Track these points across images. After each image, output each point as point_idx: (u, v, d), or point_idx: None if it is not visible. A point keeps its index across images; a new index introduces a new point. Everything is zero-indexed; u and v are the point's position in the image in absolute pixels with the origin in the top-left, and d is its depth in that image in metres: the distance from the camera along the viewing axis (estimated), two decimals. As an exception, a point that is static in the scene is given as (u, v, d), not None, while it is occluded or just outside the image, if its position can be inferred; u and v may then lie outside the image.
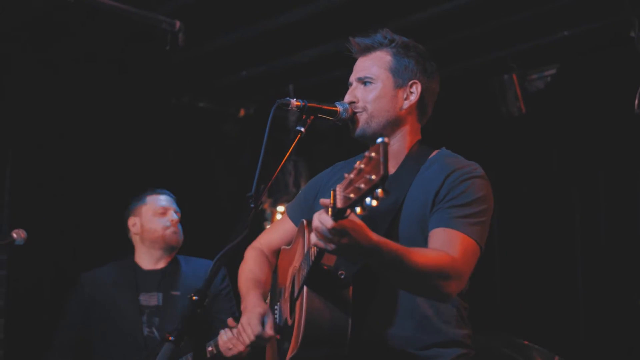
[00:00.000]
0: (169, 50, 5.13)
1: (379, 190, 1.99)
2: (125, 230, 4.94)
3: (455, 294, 2.58)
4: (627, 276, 5.48)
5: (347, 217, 2.17)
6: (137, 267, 4.81)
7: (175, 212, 4.84)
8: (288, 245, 3.11)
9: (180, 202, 5.43)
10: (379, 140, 2.02)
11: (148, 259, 4.82)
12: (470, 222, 2.63)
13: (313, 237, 2.28)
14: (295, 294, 2.70)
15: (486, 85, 5.99)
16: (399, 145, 2.88)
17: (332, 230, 2.20)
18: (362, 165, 2.05)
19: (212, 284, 2.39)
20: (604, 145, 5.71)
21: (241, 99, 6.84)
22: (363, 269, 2.61)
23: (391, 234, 2.68)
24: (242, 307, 2.93)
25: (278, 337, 2.83)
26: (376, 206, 2.02)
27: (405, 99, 2.87)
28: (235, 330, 2.86)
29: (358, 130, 2.85)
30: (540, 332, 5.65)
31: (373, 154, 2.03)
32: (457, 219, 2.62)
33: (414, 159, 2.85)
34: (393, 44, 2.90)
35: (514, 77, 5.81)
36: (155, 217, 4.79)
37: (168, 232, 4.76)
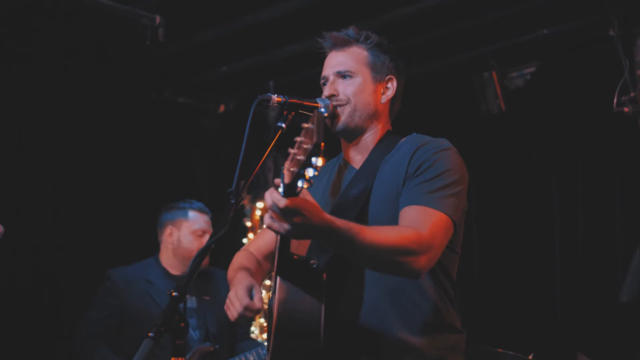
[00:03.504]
0: (149, 45, 5.11)
1: (318, 159, 2.01)
2: (115, 224, 5.31)
3: (426, 269, 2.54)
4: (606, 274, 5.52)
5: (298, 193, 2.17)
6: (166, 271, 4.99)
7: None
8: None
9: (159, 198, 5.42)
10: (320, 111, 2.06)
11: (176, 267, 5.02)
12: (440, 195, 2.62)
13: (267, 219, 2.26)
14: (274, 291, 2.70)
15: (466, 82, 6.00)
16: (372, 137, 2.92)
17: (284, 209, 2.18)
18: (302, 138, 2.08)
19: (192, 280, 2.38)
20: (582, 143, 5.74)
21: (221, 94, 6.82)
22: (335, 256, 2.61)
23: (362, 218, 2.70)
24: (231, 287, 2.87)
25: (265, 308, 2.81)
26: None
27: (383, 93, 2.92)
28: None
29: (340, 125, 2.86)
30: (519, 333, 5.68)
31: (309, 125, 2.06)
32: (425, 194, 2.61)
33: (383, 146, 2.89)
34: (369, 41, 2.93)
35: (494, 74, 5.83)
36: (193, 236, 4.99)
37: None
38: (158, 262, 5.03)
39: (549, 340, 5.61)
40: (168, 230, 5.04)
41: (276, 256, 2.54)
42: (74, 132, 5.88)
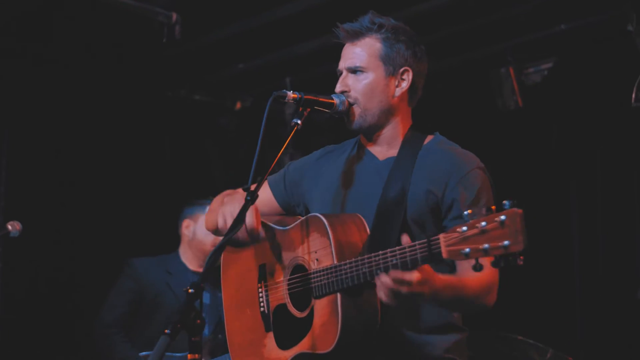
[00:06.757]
0: (165, 42, 5.12)
1: (518, 258, 2.11)
2: (133, 220, 5.50)
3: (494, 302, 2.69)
4: (625, 271, 5.48)
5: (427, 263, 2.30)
6: (185, 265, 5.18)
7: None
8: (273, 220, 3.03)
9: (176, 195, 5.44)
10: (508, 204, 2.12)
11: (192, 261, 5.19)
12: None
13: (384, 295, 2.35)
14: (316, 294, 2.68)
15: (483, 78, 5.97)
16: (393, 131, 2.90)
17: (416, 281, 2.29)
18: (485, 224, 2.12)
19: (208, 277, 2.39)
20: (601, 139, 5.71)
21: (238, 91, 6.82)
22: None
23: (404, 221, 2.72)
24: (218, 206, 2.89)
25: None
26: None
27: (397, 87, 2.88)
28: None
29: (354, 125, 2.87)
30: (537, 326, 5.66)
31: (505, 219, 2.10)
32: None
33: (410, 145, 2.87)
34: (383, 30, 2.88)
35: (511, 70, 5.79)
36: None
37: None
38: (178, 256, 5.24)
39: (568, 336, 5.58)
40: (186, 223, 5.25)
41: (354, 282, 2.54)
42: (92, 130, 5.91)
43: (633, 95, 4.87)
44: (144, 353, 4.69)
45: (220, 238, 4.11)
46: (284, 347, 2.79)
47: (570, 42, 5.65)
